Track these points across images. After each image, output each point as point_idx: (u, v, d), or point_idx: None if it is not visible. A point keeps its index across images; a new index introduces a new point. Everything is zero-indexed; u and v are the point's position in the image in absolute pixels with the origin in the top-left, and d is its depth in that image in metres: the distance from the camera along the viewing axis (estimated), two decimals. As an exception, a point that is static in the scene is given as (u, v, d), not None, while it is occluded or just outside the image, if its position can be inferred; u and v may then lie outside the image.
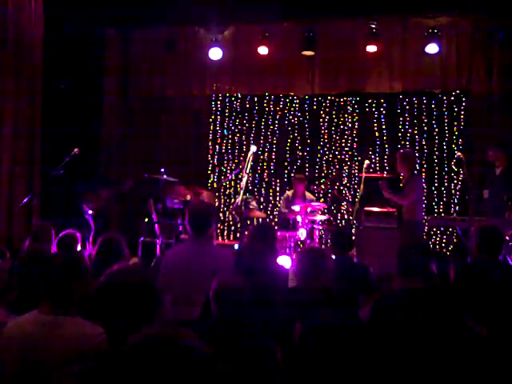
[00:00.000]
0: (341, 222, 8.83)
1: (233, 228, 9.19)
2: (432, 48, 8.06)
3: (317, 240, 7.49)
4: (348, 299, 3.21)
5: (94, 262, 3.84)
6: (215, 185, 9.18)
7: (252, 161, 6.51)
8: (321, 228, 7.83)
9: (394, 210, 7.08)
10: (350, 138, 8.92)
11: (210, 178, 9.37)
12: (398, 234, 6.76)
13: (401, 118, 8.69)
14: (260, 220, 8.58)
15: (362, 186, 6.85)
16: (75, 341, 2.35)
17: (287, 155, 9.13)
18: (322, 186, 8.89)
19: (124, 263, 3.07)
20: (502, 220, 6.18)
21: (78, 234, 4.58)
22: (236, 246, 7.16)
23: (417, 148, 8.59)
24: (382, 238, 6.84)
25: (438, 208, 8.45)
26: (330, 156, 9.00)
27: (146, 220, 7.74)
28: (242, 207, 6.23)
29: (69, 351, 2.31)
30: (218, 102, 9.39)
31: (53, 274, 2.51)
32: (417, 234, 6.81)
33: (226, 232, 9.28)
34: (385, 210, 7.18)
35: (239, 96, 9.32)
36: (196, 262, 3.60)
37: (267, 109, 9.23)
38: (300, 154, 9.12)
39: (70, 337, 2.37)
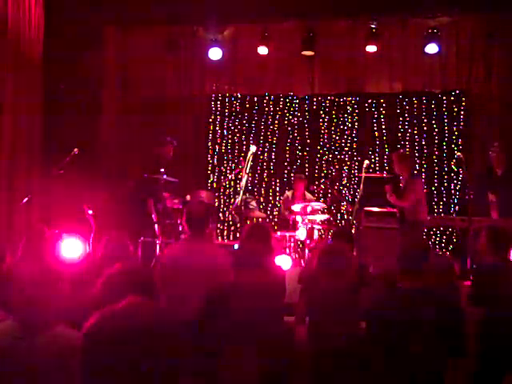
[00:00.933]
0: (341, 222, 8.82)
1: (233, 228, 9.19)
2: (432, 48, 8.06)
3: (316, 240, 7.47)
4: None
5: (98, 261, 3.83)
6: (215, 185, 9.18)
7: (252, 161, 6.52)
8: (320, 228, 7.82)
9: (395, 210, 7.08)
10: (349, 138, 8.92)
11: (209, 178, 9.37)
12: (398, 234, 6.75)
13: (401, 118, 8.69)
14: (259, 220, 8.57)
15: (361, 186, 6.85)
16: (56, 349, 2.31)
17: (287, 155, 9.13)
18: (322, 186, 8.89)
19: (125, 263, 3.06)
20: (504, 220, 6.16)
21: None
22: (236, 246, 7.16)
23: (417, 148, 8.59)
24: (381, 238, 6.83)
25: (438, 208, 8.45)
26: (330, 156, 8.99)
27: (146, 220, 7.73)
28: (242, 207, 6.23)
29: (51, 359, 2.28)
30: (218, 102, 9.39)
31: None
32: (419, 234, 6.79)
33: (225, 232, 9.28)
34: (385, 210, 7.17)
35: (239, 96, 9.32)
36: (193, 261, 3.61)
37: (267, 109, 9.23)
38: (300, 154, 9.12)
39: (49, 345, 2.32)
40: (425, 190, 7.82)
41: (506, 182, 6.62)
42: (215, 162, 9.40)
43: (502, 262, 3.84)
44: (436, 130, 8.55)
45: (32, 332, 2.32)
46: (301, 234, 7.27)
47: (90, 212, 6.90)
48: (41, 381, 2.24)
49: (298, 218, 7.40)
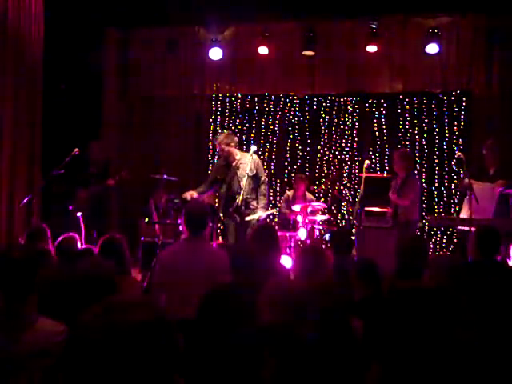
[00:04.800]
0: (341, 222, 8.82)
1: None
2: (432, 48, 8.06)
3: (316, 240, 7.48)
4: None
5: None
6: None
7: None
8: (321, 228, 7.83)
9: (389, 209, 7.04)
10: (350, 138, 8.92)
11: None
12: (395, 234, 6.73)
13: (401, 118, 8.69)
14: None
15: (362, 186, 6.84)
16: (38, 339, 2.33)
17: (287, 155, 9.13)
18: (322, 186, 8.89)
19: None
20: (505, 220, 6.14)
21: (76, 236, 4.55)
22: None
23: (417, 148, 8.59)
24: (382, 238, 6.81)
25: (438, 208, 8.45)
26: (330, 156, 8.99)
27: (146, 220, 7.74)
28: (242, 207, 6.22)
29: (31, 349, 2.30)
30: (218, 102, 9.39)
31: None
32: (413, 234, 6.74)
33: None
34: (385, 210, 7.17)
35: (239, 96, 9.32)
36: (191, 261, 3.61)
37: (267, 109, 9.23)
38: (300, 153, 9.12)
39: (32, 335, 2.35)
40: (424, 190, 7.80)
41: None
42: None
43: (484, 261, 3.81)
44: (436, 130, 8.55)
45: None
46: (301, 234, 7.28)
47: (79, 214, 6.88)
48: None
49: (299, 218, 7.40)
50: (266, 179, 6.57)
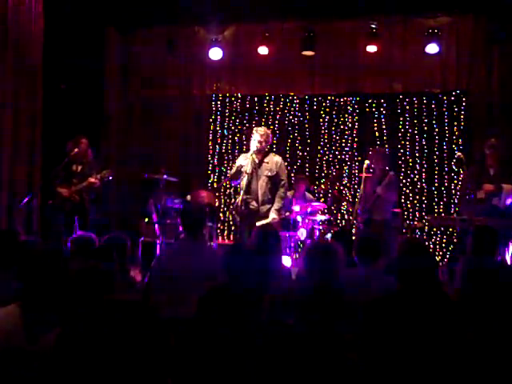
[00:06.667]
0: (341, 222, 8.82)
1: (233, 228, 9.18)
2: (432, 48, 8.06)
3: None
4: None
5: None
6: (215, 185, 9.18)
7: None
8: (321, 228, 7.83)
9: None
10: (350, 138, 8.92)
11: (209, 178, 9.37)
12: (396, 233, 6.70)
13: (401, 118, 8.69)
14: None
15: (362, 186, 6.83)
16: None
17: (287, 155, 9.12)
18: (322, 186, 8.89)
19: None
20: (504, 220, 6.14)
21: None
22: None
23: (417, 148, 8.59)
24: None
25: (438, 208, 8.45)
26: (330, 156, 8.99)
27: (146, 220, 7.74)
28: (242, 207, 6.19)
29: None
30: (218, 102, 9.39)
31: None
32: (387, 233, 6.59)
33: (226, 232, 9.28)
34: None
35: (239, 96, 9.32)
36: (189, 261, 3.62)
37: (267, 109, 9.23)
38: (300, 154, 9.12)
39: None
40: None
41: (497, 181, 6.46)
42: (215, 161, 9.40)
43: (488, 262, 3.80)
44: (436, 130, 8.55)
45: None
46: (301, 234, 7.29)
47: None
48: None
49: (299, 218, 7.41)
50: (287, 184, 6.31)
